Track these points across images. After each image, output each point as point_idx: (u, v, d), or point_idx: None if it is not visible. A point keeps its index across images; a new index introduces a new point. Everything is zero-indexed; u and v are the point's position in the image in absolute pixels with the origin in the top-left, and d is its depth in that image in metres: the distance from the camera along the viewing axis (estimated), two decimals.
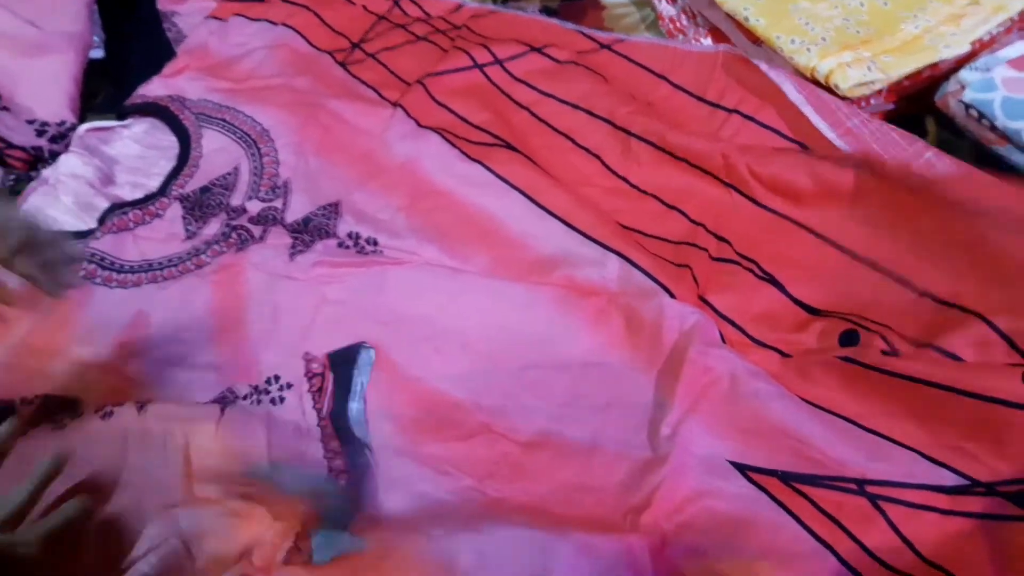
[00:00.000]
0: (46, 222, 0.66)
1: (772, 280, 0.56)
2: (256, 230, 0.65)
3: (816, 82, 0.62)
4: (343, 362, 0.56)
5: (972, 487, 0.44)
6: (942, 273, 0.50)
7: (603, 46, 0.71)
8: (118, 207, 0.67)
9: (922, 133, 0.61)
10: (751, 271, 0.57)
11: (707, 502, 0.48)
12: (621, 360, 0.55)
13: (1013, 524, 0.42)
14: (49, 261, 0.52)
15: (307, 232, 0.65)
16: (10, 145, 0.72)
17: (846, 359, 0.50)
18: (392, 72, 0.75)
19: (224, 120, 0.74)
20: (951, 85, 0.60)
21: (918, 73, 0.61)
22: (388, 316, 0.59)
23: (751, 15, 0.65)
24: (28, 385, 0.58)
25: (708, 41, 0.72)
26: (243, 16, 0.83)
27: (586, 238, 0.60)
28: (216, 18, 0.84)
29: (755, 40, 0.66)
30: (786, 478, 0.48)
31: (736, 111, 0.63)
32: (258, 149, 0.71)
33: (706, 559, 0.46)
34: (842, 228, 0.55)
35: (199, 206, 0.68)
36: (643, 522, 0.47)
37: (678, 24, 0.74)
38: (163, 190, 0.69)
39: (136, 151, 0.74)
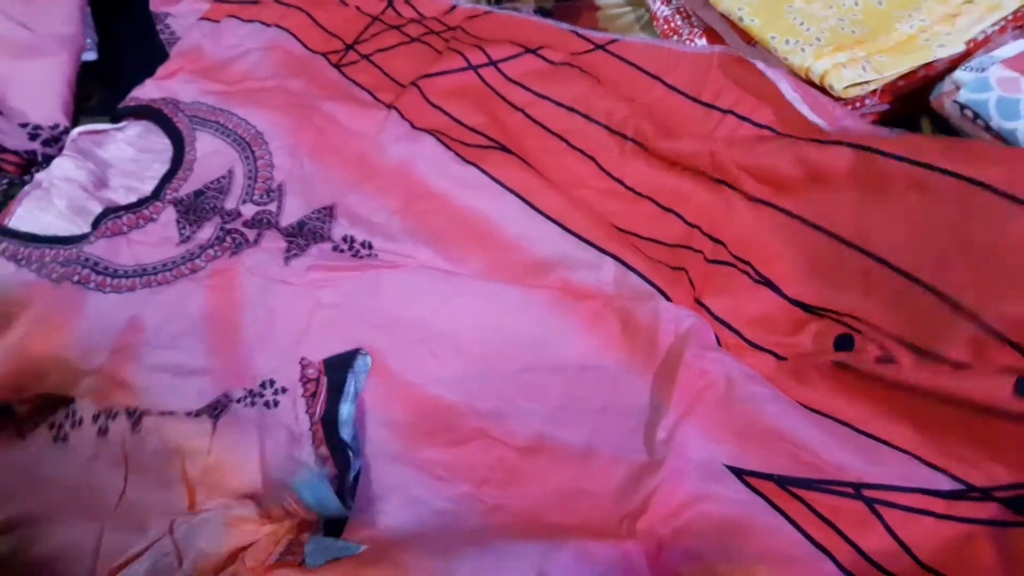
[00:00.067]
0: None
1: (767, 283, 0.56)
2: (250, 234, 0.65)
3: (811, 82, 0.62)
4: (338, 367, 0.56)
5: (968, 492, 0.44)
6: (930, 258, 0.49)
7: (598, 46, 0.71)
8: (112, 211, 0.67)
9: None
10: (747, 274, 0.57)
11: (704, 506, 0.47)
12: (617, 363, 0.55)
13: (1010, 530, 0.42)
14: None
15: (302, 236, 0.64)
16: (3, 149, 0.72)
17: (840, 364, 0.50)
18: (386, 74, 0.75)
19: (218, 123, 0.74)
20: (946, 85, 0.60)
21: (913, 73, 0.61)
22: (383, 320, 0.59)
23: (745, 15, 0.65)
24: (22, 390, 0.58)
25: (703, 42, 0.72)
26: (236, 18, 0.83)
27: (581, 241, 0.60)
28: (209, 20, 0.83)
29: (750, 41, 0.66)
30: (782, 482, 0.48)
31: (731, 112, 0.63)
32: (252, 152, 0.71)
33: (703, 564, 0.46)
34: (830, 213, 0.55)
35: (193, 210, 0.68)
36: (639, 527, 0.47)
37: (672, 24, 0.74)
38: (157, 194, 0.69)
39: (130, 154, 0.74)
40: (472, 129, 0.69)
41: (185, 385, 0.57)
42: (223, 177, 0.70)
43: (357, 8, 0.82)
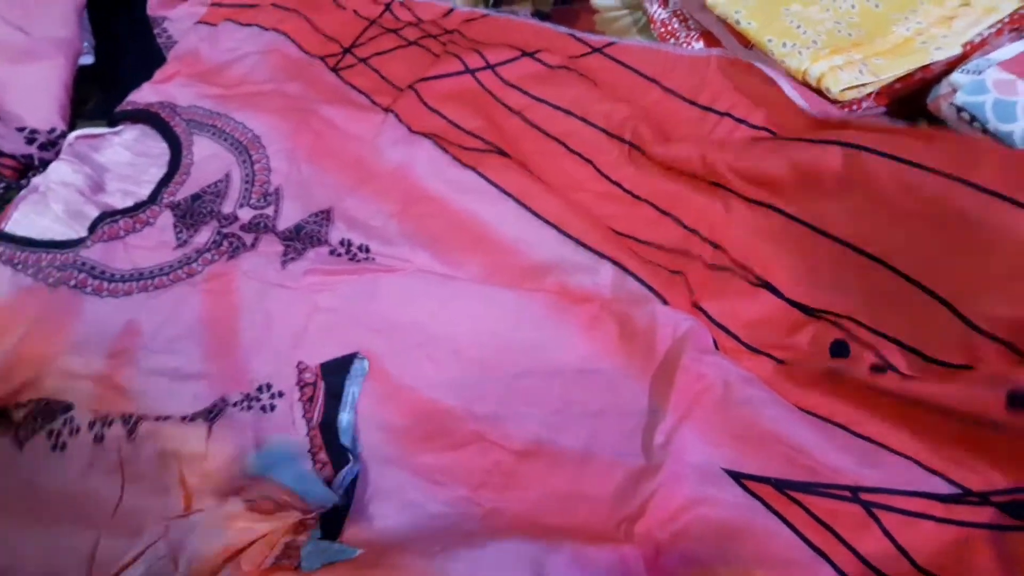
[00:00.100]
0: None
1: (766, 285, 0.55)
2: (248, 238, 0.65)
3: (807, 85, 0.62)
4: (335, 372, 0.56)
5: (966, 496, 0.44)
6: (921, 258, 0.49)
7: (595, 49, 0.70)
8: (108, 215, 0.67)
9: None
10: (745, 278, 0.56)
11: (701, 510, 0.47)
12: (614, 367, 0.55)
13: (1008, 534, 0.42)
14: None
15: (299, 239, 0.64)
16: (0, 153, 0.72)
17: (836, 371, 0.50)
18: (384, 77, 0.75)
19: (215, 127, 0.74)
20: (943, 88, 0.60)
21: (910, 75, 0.61)
22: (380, 324, 0.59)
23: (743, 18, 0.65)
24: (18, 394, 0.57)
25: (700, 44, 0.71)
26: (233, 21, 0.83)
27: (579, 245, 0.60)
28: (206, 23, 0.83)
29: (747, 44, 0.66)
30: (780, 486, 0.47)
31: (728, 114, 0.63)
32: (249, 156, 0.71)
33: (701, 567, 0.46)
34: (824, 213, 0.54)
35: (190, 214, 0.68)
36: (637, 531, 0.46)
37: (670, 27, 0.74)
38: (154, 198, 0.69)
39: (127, 158, 0.74)
40: (470, 133, 0.69)
41: (182, 389, 0.57)
42: (220, 181, 0.70)
43: (354, 12, 0.82)
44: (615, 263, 0.59)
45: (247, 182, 0.69)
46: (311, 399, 0.55)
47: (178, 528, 0.48)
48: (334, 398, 0.54)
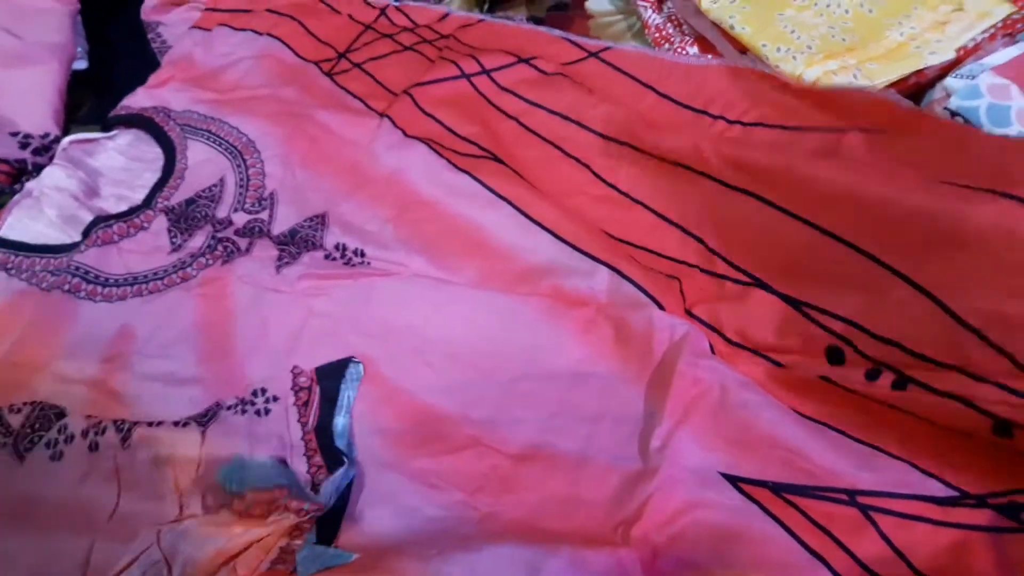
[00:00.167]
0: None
1: (759, 282, 0.55)
2: (242, 242, 0.65)
3: None
4: (331, 376, 0.55)
5: (963, 498, 0.44)
6: (908, 251, 0.48)
7: (591, 54, 0.70)
8: (102, 220, 0.67)
9: None
10: (737, 279, 0.56)
11: (698, 514, 0.47)
12: (610, 371, 0.55)
13: (1006, 536, 0.42)
14: None
15: (294, 244, 0.64)
16: None
17: (829, 380, 0.50)
18: (379, 82, 0.75)
19: (209, 131, 0.74)
20: (937, 92, 0.60)
21: (904, 80, 0.61)
22: (376, 328, 0.58)
23: (737, 23, 0.65)
24: (11, 400, 0.57)
25: (694, 50, 0.72)
26: (228, 26, 0.83)
27: (575, 249, 0.60)
28: (200, 28, 0.83)
29: (741, 49, 0.66)
30: (777, 489, 0.47)
31: (722, 117, 0.62)
32: (244, 160, 0.71)
33: (698, 571, 0.46)
34: (813, 204, 0.53)
35: (184, 218, 0.67)
36: (634, 535, 0.46)
37: (664, 32, 0.74)
38: (148, 202, 0.69)
39: (121, 163, 0.74)
40: (465, 138, 0.69)
41: (177, 394, 0.57)
42: (214, 186, 0.70)
43: (349, 16, 0.82)
44: (611, 268, 0.59)
45: (241, 187, 0.69)
46: (306, 403, 0.55)
47: (171, 534, 0.48)
48: (329, 402, 0.54)
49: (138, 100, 0.77)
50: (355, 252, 0.63)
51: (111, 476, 0.52)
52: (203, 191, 0.70)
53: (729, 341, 0.55)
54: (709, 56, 0.70)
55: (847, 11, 0.65)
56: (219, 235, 0.66)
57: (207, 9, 0.86)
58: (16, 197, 0.69)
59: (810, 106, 0.59)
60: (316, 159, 0.70)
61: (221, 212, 0.68)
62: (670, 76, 0.66)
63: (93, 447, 0.54)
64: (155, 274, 0.64)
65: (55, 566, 0.49)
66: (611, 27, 0.82)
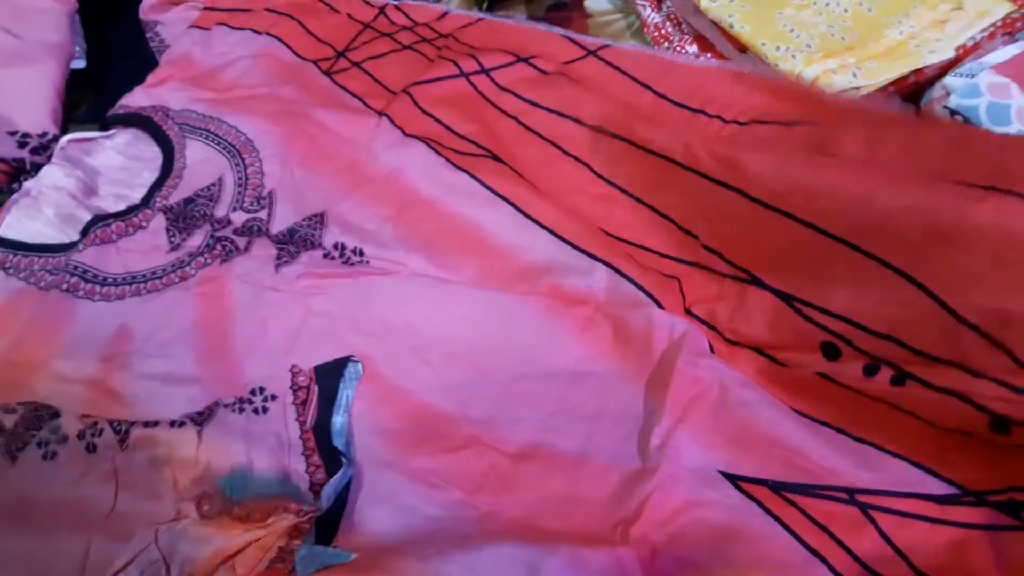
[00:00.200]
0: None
1: (756, 281, 0.55)
2: (241, 241, 0.65)
3: None
4: (329, 375, 0.55)
5: (962, 496, 0.44)
6: (903, 246, 0.48)
7: (590, 52, 0.70)
8: (101, 219, 0.67)
9: None
10: (735, 278, 0.56)
11: (698, 512, 0.47)
12: (610, 370, 0.55)
13: (1005, 534, 0.42)
14: None
15: (292, 243, 0.64)
16: None
17: (826, 376, 0.49)
18: (378, 81, 0.75)
19: (208, 130, 0.74)
20: (936, 91, 0.60)
21: (903, 79, 0.61)
22: (375, 328, 0.58)
23: (736, 22, 0.65)
24: (9, 399, 0.57)
25: (694, 48, 0.72)
26: (226, 25, 0.83)
27: (573, 248, 0.60)
28: (199, 27, 0.83)
29: (741, 48, 0.66)
30: (776, 488, 0.47)
31: (719, 117, 0.62)
32: (242, 159, 0.71)
33: (697, 570, 0.46)
34: (805, 200, 0.52)
35: (183, 217, 0.67)
36: (633, 534, 0.46)
37: (663, 31, 0.74)
38: (146, 201, 0.69)
39: (119, 162, 0.74)
40: (464, 137, 0.69)
41: (175, 393, 0.57)
42: (213, 185, 0.70)
43: (348, 15, 0.82)
44: (610, 266, 0.59)
45: (240, 186, 0.69)
46: (304, 402, 0.54)
47: (169, 533, 0.48)
48: (327, 401, 0.54)
49: (136, 99, 0.77)
50: (354, 251, 0.63)
51: (109, 477, 0.52)
52: (202, 190, 0.69)
53: (727, 340, 0.55)
54: (708, 55, 0.70)
55: (846, 10, 0.65)
56: (218, 234, 0.66)
57: (206, 8, 0.86)
58: (14, 196, 0.69)
59: (807, 106, 0.59)
60: (315, 158, 0.70)
61: (220, 211, 0.68)
62: (668, 75, 0.66)
63: (91, 448, 0.53)
64: (153, 273, 0.64)
65: (54, 566, 0.49)
66: (610, 26, 0.82)
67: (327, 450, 0.52)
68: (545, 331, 0.57)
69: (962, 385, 0.44)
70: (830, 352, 0.50)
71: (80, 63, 0.82)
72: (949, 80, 0.59)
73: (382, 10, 0.81)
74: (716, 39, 0.70)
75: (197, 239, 0.66)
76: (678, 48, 0.72)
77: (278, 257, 0.63)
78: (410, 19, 0.80)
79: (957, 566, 0.43)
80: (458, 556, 0.45)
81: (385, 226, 0.64)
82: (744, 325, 0.55)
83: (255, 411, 0.55)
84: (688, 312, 0.56)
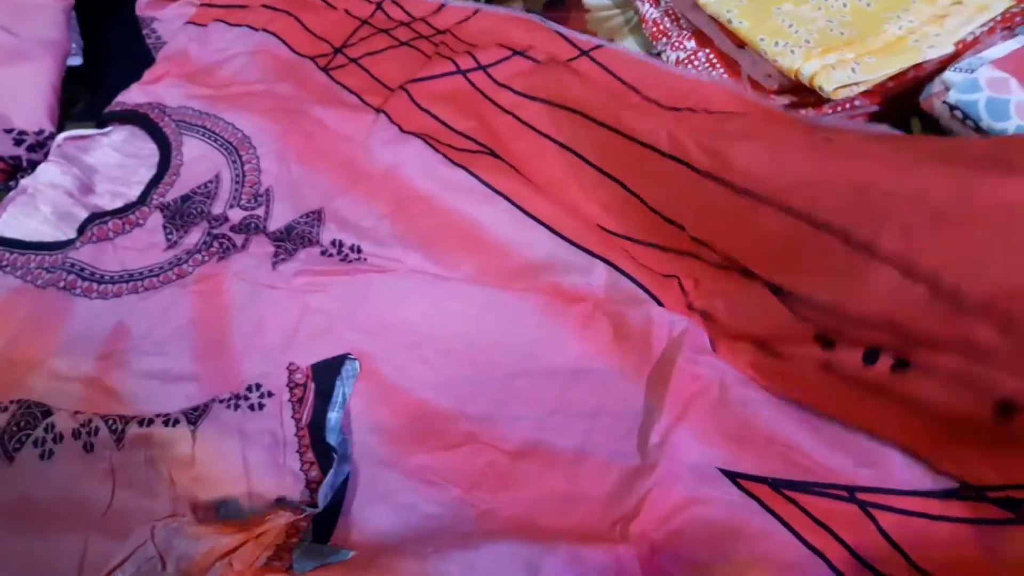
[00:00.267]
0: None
1: (749, 274, 0.54)
2: (238, 239, 0.65)
3: (800, 84, 0.62)
4: (326, 372, 0.55)
5: (962, 491, 0.44)
6: (895, 229, 0.46)
7: (583, 52, 0.70)
8: (98, 217, 0.67)
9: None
10: (731, 270, 0.56)
11: (697, 510, 0.47)
12: (609, 367, 0.55)
13: (1005, 529, 0.42)
14: None
15: (290, 240, 0.64)
16: None
17: (825, 366, 0.49)
18: (375, 78, 0.75)
19: (205, 127, 0.74)
20: (935, 86, 0.60)
21: (902, 74, 0.61)
22: (373, 325, 0.58)
23: (734, 17, 0.65)
24: (6, 397, 0.57)
25: (692, 43, 0.71)
26: (223, 22, 0.83)
27: (572, 245, 0.60)
28: (196, 24, 0.83)
29: (739, 43, 0.66)
30: (776, 485, 0.47)
31: (704, 110, 0.62)
32: (239, 156, 0.71)
33: (696, 567, 0.46)
34: (792, 189, 0.51)
35: (180, 215, 0.67)
36: (632, 531, 0.46)
37: (661, 27, 0.74)
38: (143, 199, 0.69)
39: (116, 160, 0.74)
40: (461, 133, 0.69)
41: (173, 391, 0.57)
42: (210, 182, 0.70)
43: (346, 11, 0.82)
44: (609, 263, 0.59)
45: (237, 183, 0.69)
46: (301, 400, 0.54)
47: (166, 530, 0.48)
48: (324, 398, 0.54)
49: (133, 96, 0.77)
50: (351, 248, 0.63)
51: (106, 476, 0.52)
52: (199, 187, 0.69)
53: (728, 333, 0.54)
54: (707, 50, 0.70)
55: (845, 5, 0.65)
56: (215, 231, 0.65)
57: (202, 5, 0.86)
58: (11, 194, 0.69)
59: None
60: (312, 155, 0.70)
61: (217, 208, 0.68)
62: (659, 83, 0.65)
63: (88, 447, 0.53)
64: (150, 271, 0.64)
65: (53, 565, 0.49)
66: (608, 21, 0.82)
67: (321, 447, 0.52)
68: (544, 328, 0.57)
69: (968, 368, 0.43)
70: (825, 342, 0.50)
71: (76, 60, 0.81)
72: (948, 75, 0.59)
73: (379, 6, 0.81)
74: (714, 34, 0.70)
75: (194, 236, 0.65)
76: (676, 44, 0.72)
77: (275, 254, 0.63)
78: (408, 14, 0.80)
79: (956, 563, 0.42)
80: (456, 554, 0.45)
81: (383, 223, 0.64)
82: (742, 318, 0.54)
83: (251, 407, 0.54)
84: (691, 308, 0.56)
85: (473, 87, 0.70)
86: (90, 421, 0.54)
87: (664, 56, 0.73)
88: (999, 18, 0.61)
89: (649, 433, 0.50)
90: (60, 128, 0.75)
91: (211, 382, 0.57)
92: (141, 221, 0.67)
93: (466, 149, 0.67)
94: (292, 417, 0.54)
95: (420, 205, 0.64)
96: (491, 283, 0.60)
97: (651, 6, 0.75)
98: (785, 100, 0.65)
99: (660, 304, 0.56)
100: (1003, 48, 0.58)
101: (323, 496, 0.49)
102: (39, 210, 0.68)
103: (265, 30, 0.81)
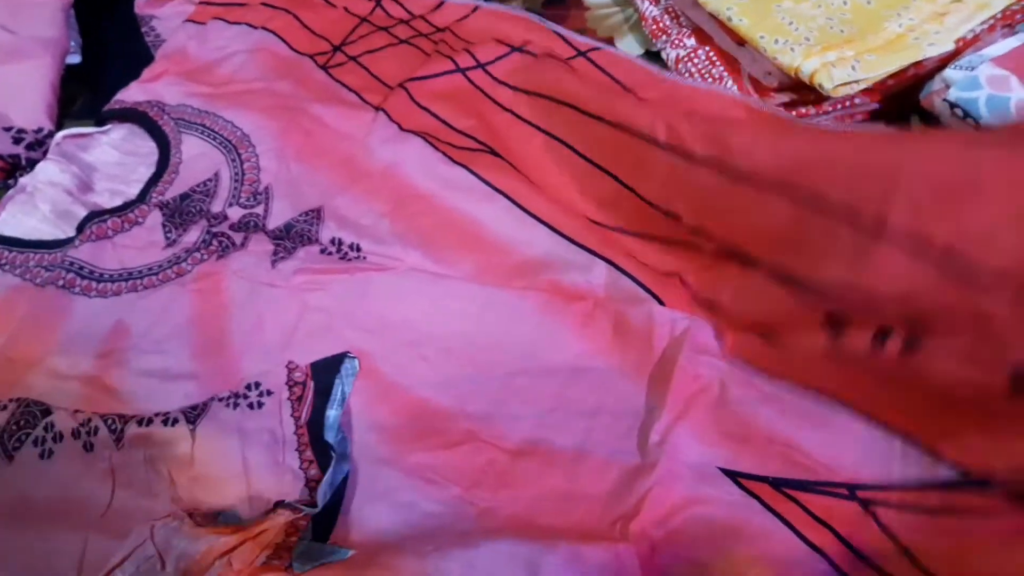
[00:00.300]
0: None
1: (752, 261, 0.54)
2: (237, 237, 0.64)
3: (800, 82, 0.62)
4: (325, 370, 0.55)
5: (965, 482, 0.44)
6: (903, 204, 0.45)
7: (580, 52, 0.70)
8: (97, 215, 0.66)
9: None
10: (732, 258, 0.55)
11: (697, 509, 0.47)
12: (609, 365, 0.55)
13: (1006, 519, 0.42)
14: None
15: (289, 238, 0.64)
16: None
17: (832, 351, 0.49)
18: (374, 75, 0.75)
19: (204, 125, 0.73)
20: (936, 84, 0.60)
21: (903, 72, 0.61)
22: (372, 323, 0.58)
23: (734, 15, 0.65)
24: (4, 396, 0.57)
25: (692, 41, 0.71)
26: (222, 20, 0.82)
27: (572, 243, 0.60)
28: (194, 22, 0.83)
29: (739, 40, 0.66)
30: (777, 484, 0.47)
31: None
32: (239, 155, 0.71)
33: (697, 566, 0.46)
34: (785, 165, 0.51)
35: (179, 213, 0.67)
36: (632, 530, 0.46)
37: (661, 24, 0.74)
38: (142, 197, 0.69)
39: (115, 158, 0.73)
40: (461, 132, 0.68)
41: (172, 389, 0.57)
42: (209, 180, 0.69)
43: (345, 9, 0.81)
44: (609, 262, 0.59)
45: (236, 181, 0.69)
46: (300, 398, 0.54)
47: (165, 529, 0.48)
48: (323, 396, 0.54)
49: (132, 94, 0.77)
50: (351, 246, 0.63)
51: (106, 475, 0.52)
52: (198, 185, 0.69)
53: (731, 323, 0.54)
54: (707, 47, 0.70)
55: (845, 2, 0.65)
56: (214, 230, 0.65)
57: (201, 3, 0.85)
58: (10, 192, 0.69)
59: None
60: (311, 153, 0.70)
61: (216, 207, 0.68)
62: (656, 87, 0.65)
63: (88, 447, 0.53)
64: (150, 269, 0.63)
65: (53, 564, 0.49)
66: (608, 19, 0.82)
67: (320, 445, 0.52)
68: (544, 327, 0.57)
69: (982, 341, 0.42)
70: (834, 325, 0.49)
71: (75, 58, 0.81)
72: (948, 73, 0.59)
73: (379, 3, 0.81)
74: (714, 32, 0.70)
75: (193, 235, 0.65)
76: (676, 41, 0.72)
77: (275, 253, 0.63)
78: (407, 11, 0.80)
79: (959, 555, 0.42)
80: (456, 553, 0.45)
81: (382, 221, 0.64)
82: (745, 306, 0.54)
83: (250, 406, 0.54)
84: (695, 300, 0.56)
85: (472, 85, 0.70)
86: (89, 420, 0.54)
87: (664, 54, 0.73)
88: (999, 15, 0.61)
89: (649, 432, 0.50)
90: (59, 126, 0.75)
91: (210, 380, 0.57)
92: (140, 219, 0.67)
93: (466, 147, 0.67)
94: (291, 415, 0.53)
95: (420, 203, 0.64)
96: (491, 281, 0.59)
97: (651, 4, 0.75)
98: (785, 98, 0.65)
99: (661, 303, 0.56)
100: (1003, 46, 0.58)
101: (322, 495, 0.49)
102: (38, 208, 0.68)
103: (264, 28, 0.81)
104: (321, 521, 0.49)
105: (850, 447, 0.47)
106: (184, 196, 0.68)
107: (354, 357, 0.56)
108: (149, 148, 0.73)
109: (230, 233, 0.65)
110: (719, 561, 0.45)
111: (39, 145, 0.72)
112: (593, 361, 0.55)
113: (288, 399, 0.54)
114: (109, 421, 0.53)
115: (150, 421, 0.53)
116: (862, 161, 0.48)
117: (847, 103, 0.62)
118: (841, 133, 0.51)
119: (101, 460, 0.52)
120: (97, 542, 0.48)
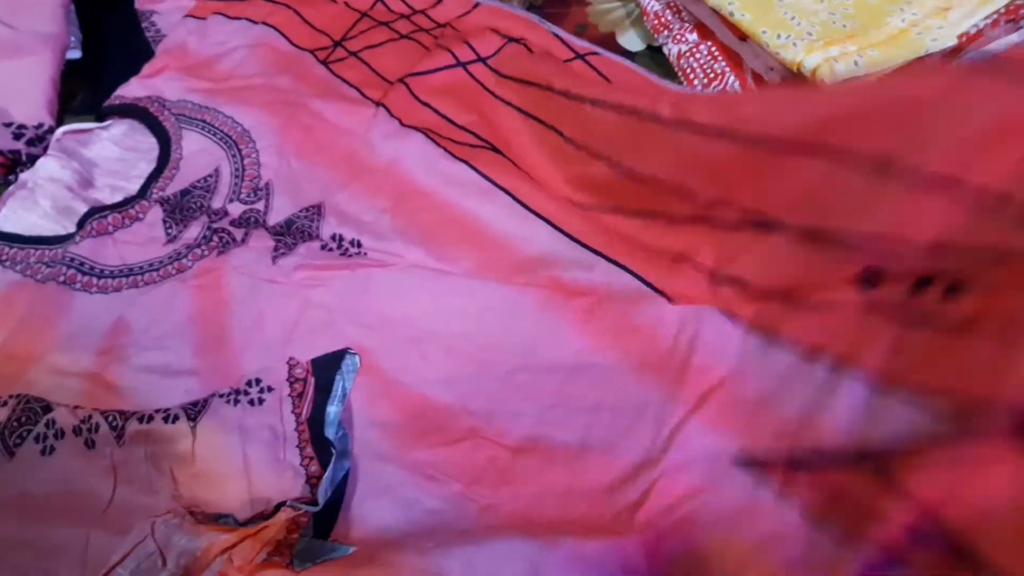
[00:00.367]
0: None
1: (775, 225, 0.51)
2: (238, 233, 0.64)
3: (802, 77, 0.61)
4: (326, 367, 0.55)
5: (998, 430, 0.41)
6: (907, 138, 0.44)
7: (578, 55, 0.70)
8: (97, 211, 0.66)
9: None
10: (753, 225, 0.53)
11: (707, 497, 0.47)
12: (609, 362, 0.54)
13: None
14: None
15: (290, 234, 0.64)
16: None
17: (864, 307, 0.47)
18: (375, 71, 0.75)
19: (204, 121, 0.73)
20: None
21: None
22: (373, 320, 0.58)
23: (736, 10, 0.64)
24: (5, 393, 0.57)
25: (694, 36, 0.71)
26: (222, 15, 0.82)
27: (573, 241, 0.60)
28: (195, 17, 0.83)
29: (741, 36, 0.66)
30: (790, 468, 0.47)
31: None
32: (239, 150, 0.70)
33: (705, 553, 0.45)
34: (810, 130, 0.48)
35: (180, 209, 0.67)
36: (638, 520, 0.46)
37: (663, 19, 0.73)
38: (143, 193, 0.68)
39: (115, 153, 0.73)
40: (462, 127, 0.68)
41: (172, 386, 0.57)
42: (210, 176, 0.69)
43: (345, 4, 0.81)
44: (611, 260, 0.59)
45: (237, 177, 0.69)
46: (301, 395, 0.54)
47: (166, 525, 0.48)
48: (324, 393, 0.54)
49: (132, 90, 0.77)
50: (352, 242, 0.63)
51: (107, 473, 0.52)
52: (198, 181, 0.69)
53: (755, 294, 0.53)
54: (709, 43, 0.70)
55: None
56: (215, 226, 0.65)
57: None
58: (10, 188, 0.69)
59: None
60: (312, 149, 0.69)
61: (216, 202, 0.68)
62: (653, 95, 0.64)
63: (89, 444, 0.53)
64: (150, 265, 0.63)
65: (56, 561, 0.49)
66: (610, 14, 0.81)
67: (320, 441, 0.52)
68: (544, 323, 0.57)
69: None
70: (871, 279, 0.47)
71: (75, 53, 0.81)
72: None
73: None
74: (716, 27, 0.69)
75: (194, 231, 0.65)
76: (678, 36, 0.72)
77: (275, 249, 0.63)
78: (408, 6, 0.80)
79: (987, 517, 0.40)
80: (458, 550, 0.45)
81: (383, 217, 0.64)
82: (770, 272, 0.53)
83: (250, 402, 0.54)
84: (714, 278, 0.55)
85: (473, 79, 0.70)
86: (90, 417, 0.54)
87: (666, 49, 0.73)
88: (1003, 11, 0.61)
89: (657, 426, 0.50)
90: (59, 122, 0.75)
91: (211, 376, 0.57)
92: (141, 215, 0.67)
93: (467, 143, 0.67)
94: (292, 412, 0.53)
95: (421, 199, 0.64)
96: (491, 278, 0.59)
97: None
98: None
99: (667, 298, 0.56)
100: (1007, 41, 0.58)
101: (323, 492, 0.49)
102: (38, 204, 0.68)
103: (264, 23, 0.81)
104: (322, 518, 0.49)
105: (871, 420, 0.45)
106: (185, 192, 0.68)
107: (355, 353, 0.56)
108: (150, 144, 0.73)
109: (231, 229, 0.65)
110: (728, 547, 0.45)
111: (39, 141, 0.72)
112: (594, 357, 0.55)
113: (289, 395, 0.54)
114: (110, 418, 0.53)
115: (151, 418, 0.53)
116: (894, 111, 0.45)
117: None
118: (864, 85, 0.50)
119: (102, 457, 0.52)
120: (99, 539, 0.48)
